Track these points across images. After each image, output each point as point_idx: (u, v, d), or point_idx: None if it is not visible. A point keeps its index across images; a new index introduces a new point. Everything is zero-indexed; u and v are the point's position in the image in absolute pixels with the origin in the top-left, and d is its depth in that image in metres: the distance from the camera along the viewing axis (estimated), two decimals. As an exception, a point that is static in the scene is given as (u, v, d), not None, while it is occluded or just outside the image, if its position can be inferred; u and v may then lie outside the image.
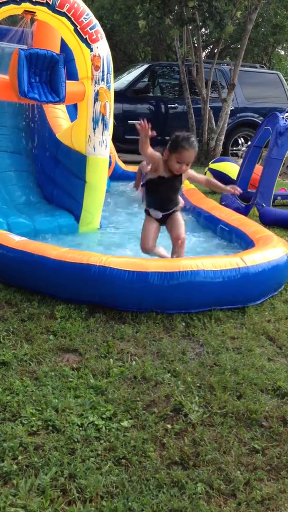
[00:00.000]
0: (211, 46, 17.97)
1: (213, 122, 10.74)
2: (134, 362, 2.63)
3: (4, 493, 1.75)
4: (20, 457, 1.93)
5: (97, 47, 4.32)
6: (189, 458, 1.99)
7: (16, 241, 3.53)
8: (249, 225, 4.48)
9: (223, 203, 6.14)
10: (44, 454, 1.95)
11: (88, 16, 4.23)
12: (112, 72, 4.49)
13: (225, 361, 2.68)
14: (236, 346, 2.88)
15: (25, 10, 4.06)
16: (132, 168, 7.78)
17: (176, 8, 10.43)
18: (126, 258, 3.39)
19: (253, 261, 3.38)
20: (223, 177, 7.33)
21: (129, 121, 10.91)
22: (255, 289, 3.40)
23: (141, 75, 11.44)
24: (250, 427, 2.20)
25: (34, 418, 2.14)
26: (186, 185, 6.48)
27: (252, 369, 2.62)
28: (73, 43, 4.34)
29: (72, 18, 4.16)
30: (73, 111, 5.35)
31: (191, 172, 3.71)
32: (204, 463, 1.97)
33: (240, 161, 7.50)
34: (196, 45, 11.06)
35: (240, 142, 11.88)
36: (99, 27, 4.34)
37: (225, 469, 1.94)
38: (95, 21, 4.30)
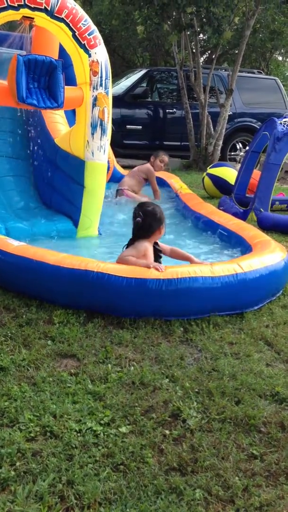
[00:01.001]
0: (209, 52, 18.04)
1: (211, 127, 10.77)
2: (132, 368, 2.63)
3: (1, 500, 1.75)
4: (18, 463, 1.92)
5: (95, 53, 4.33)
6: (188, 464, 1.98)
7: (14, 246, 3.53)
8: (248, 230, 4.49)
9: (221, 208, 6.15)
10: (42, 460, 1.94)
11: (87, 21, 4.25)
12: (111, 78, 4.50)
13: (223, 367, 2.68)
14: (235, 351, 2.88)
15: (23, 16, 4.07)
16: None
17: (174, 14, 10.47)
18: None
19: (251, 267, 3.38)
20: (221, 183, 7.36)
21: (128, 126, 10.95)
22: (253, 295, 3.41)
23: (140, 80, 11.48)
24: (249, 432, 2.20)
25: (32, 424, 2.13)
26: (183, 189, 6.51)
27: (251, 374, 2.62)
28: (72, 48, 4.35)
29: (71, 24, 4.17)
30: (71, 116, 5.36)
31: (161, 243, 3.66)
32: (203, 469, 1.96)
33: (238, 166, 7.52)
34: (194, 50, 11.11)
35: (238, 147, 11.91)
36: (97, 33, 4.36)
37: (223, 475, 1.94)
38: (93, 27, 4.31)
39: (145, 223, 3.45)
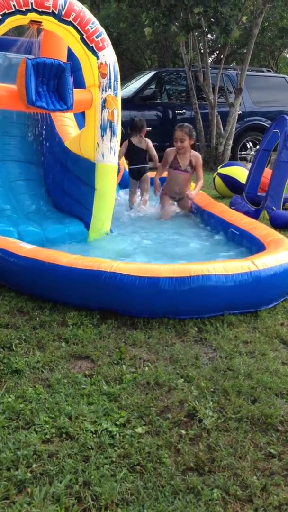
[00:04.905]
0: (217, 52, 18.01)
1: (221, 127, 10.73)
2: (146, 368, 2.62)
3: (18, 502, 1.74)
4: (34, 465, 1.92)
5: (103, 55, 4.34)
6: (205, 464, 1.97)
7: (26, 249, 3.54)
8: (260, 229, 4.45)
9: (232, 207, 6.12)
10: (58, 462, 1.94)
11: (94, 24, 4.25)
12: (119, 79, 4.50)
13: (238, 366, 2.65)
14: (250, 350, 2.85)
15: (31, 20, 4.08)
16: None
17: (181, 14, 10.46)
18: (137, 264, 3.38)
19: (265, 265, 3.36)
20: (232, 182, 7.32)
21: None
22: (267, 292, 3.38)
23: (148, 82, 11.47)
24: (266, 431, 2.18)
25: (47, 426, 2.13)
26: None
27: (266, 373, 2.59)
28: (80, 51, 4.36)
29: (78, 27, 4.18)
30: (81, 119, 5.37)
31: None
32: (220, 469, 1.94)
33: (249, 165, 7.47)
34: (202, 51, 11.08)
35: (248, 146, 11.85)
36: (105, 35, 4.36)
37: (241, 475, 1.92)
38: (101, 29, 4.32)
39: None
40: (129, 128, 6.14)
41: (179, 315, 3.15)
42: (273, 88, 12.05)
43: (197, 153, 5.74)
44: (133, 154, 6.12)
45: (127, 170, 7.28)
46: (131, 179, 6.25)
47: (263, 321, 3.21)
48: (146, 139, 6.11)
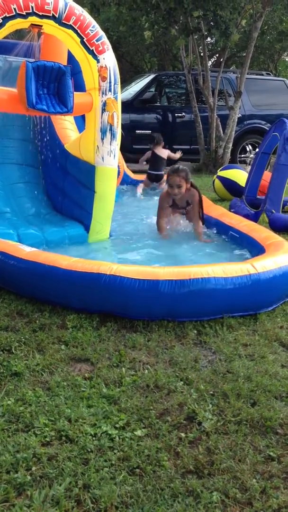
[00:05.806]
0: (217, 55, 18.05)
1: (221, 130, 10.76)
2: (146, 371, 2.62)
3: (18, 505, 1.74)
4: (33, 468, 1.92)
5: (103, 58, 4.35)
6: (204, 467, 1.97)
7: (26, 252, 3.55)
8: (260, 231, 4.46)
9: (232, 210, 6.13)
10: (57, 465, 1.94)
11: (94, 28, 4.27)
12: (119, 83, 4.51)
13: (238, 368, 2.66)
14: (249, 353, 2.86)
15: (31, 24, 4.10)
16: (140, 177, 7.81)
17: (181, 18, 10.49)
18: (136, 267, 3.38)
19: (264, 268, 3.36)
20: (232, 185, 7.34)
21: (137, 131, 10.97)
22: (267, 295, 3.38)
23: (148, 85, 11.50)
24: (265, 434, 2.18)
25: (47, 429, 2.13)
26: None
27: (266, 376, 2.60)
28: (80, 55, 4.38)
29: (79, 30, 4.19)
30: (81, 122, 5.38)
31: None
32: (219, 472, 1.95)
33: (249, 168, 7.49)
34: (202, 54, 11.11)
35: (248, 149, 11.88)
36: (105, 39, 4.37)
37: (240, 478, 1.92)
38: (101, 33, 4.33)
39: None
40: (152, 143, 8.00)
41: (178, 317, 3.16)
42: (273, 91, 12.09)
43: (194, 192, 5.01)
44: (153, 162, 7.93)
45: (127, 171, 7.36)
46: (148, 180, 7.80)
47: (262, 324, 3.21)
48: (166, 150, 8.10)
